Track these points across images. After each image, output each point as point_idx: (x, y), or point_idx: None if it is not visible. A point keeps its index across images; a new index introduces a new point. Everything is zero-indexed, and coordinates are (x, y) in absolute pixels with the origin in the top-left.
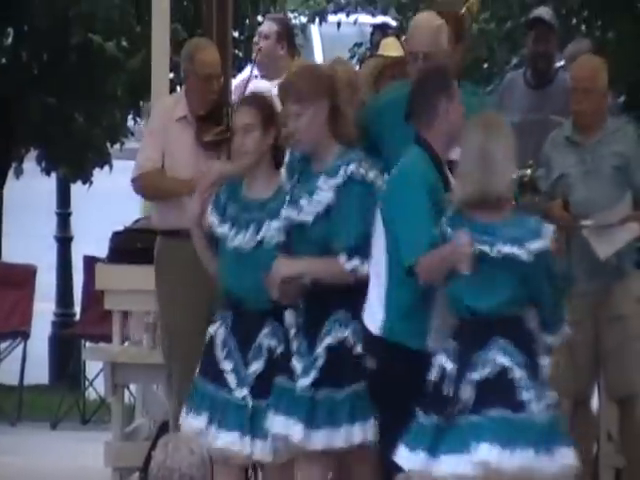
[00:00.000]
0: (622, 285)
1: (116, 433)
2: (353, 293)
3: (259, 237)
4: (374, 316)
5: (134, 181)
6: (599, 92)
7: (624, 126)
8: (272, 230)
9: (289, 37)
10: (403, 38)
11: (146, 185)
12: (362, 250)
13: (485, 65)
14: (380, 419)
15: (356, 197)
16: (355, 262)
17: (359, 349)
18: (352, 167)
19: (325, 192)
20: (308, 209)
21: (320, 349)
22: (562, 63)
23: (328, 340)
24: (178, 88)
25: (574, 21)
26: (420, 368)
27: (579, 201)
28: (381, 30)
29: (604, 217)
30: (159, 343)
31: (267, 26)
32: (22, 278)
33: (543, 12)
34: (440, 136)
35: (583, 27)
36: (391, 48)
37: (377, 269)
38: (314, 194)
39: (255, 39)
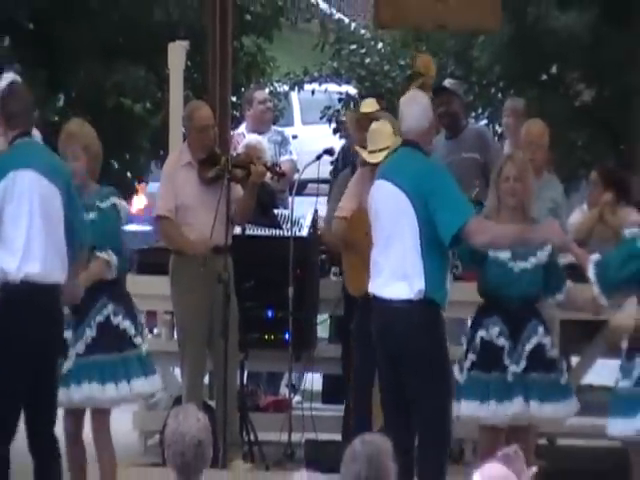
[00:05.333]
0: None
1: (142, 404)
2: None
3: None
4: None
5: (157, 219)
6: (545, 146)
7: (553, 177)
8: None
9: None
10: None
11: (163, 231)
12: None
13: None
14: None
15: None
16: None
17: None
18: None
19: None
20: None
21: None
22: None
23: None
24: None
25: (492, 90)
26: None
27: None
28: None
29: None
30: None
31: (261, 94)
32: None
33: (446, 82)
34: None
35: (500, 95)
36: (368, 105)
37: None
38: None
39: (256, 102)
